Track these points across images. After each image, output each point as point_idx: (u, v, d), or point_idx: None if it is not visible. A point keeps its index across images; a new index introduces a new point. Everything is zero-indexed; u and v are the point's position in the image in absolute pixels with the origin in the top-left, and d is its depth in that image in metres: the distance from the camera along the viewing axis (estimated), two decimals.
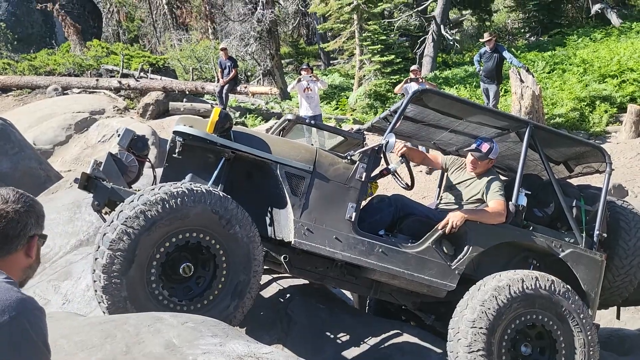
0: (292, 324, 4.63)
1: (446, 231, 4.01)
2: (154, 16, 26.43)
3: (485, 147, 4.37)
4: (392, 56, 15.64)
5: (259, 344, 3.14)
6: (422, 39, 16.70)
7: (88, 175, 3.70)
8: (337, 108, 15.53)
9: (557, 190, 4.32)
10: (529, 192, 4.38)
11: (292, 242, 3.87)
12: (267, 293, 4.99)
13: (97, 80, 15.94)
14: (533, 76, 11.38)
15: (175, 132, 3.90)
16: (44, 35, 22.09)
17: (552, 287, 3.91)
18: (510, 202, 4.15)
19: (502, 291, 3.81)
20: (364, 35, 15.67)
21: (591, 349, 3.91)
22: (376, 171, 4.32)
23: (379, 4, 16.21)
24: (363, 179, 3.98)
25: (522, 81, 10.92)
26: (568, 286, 3.97)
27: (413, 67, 11.83)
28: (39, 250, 1.68)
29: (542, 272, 4.15)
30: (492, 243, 4.09)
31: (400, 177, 4.44)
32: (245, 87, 15.50)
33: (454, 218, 4.01)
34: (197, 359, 2.67)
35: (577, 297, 3.96)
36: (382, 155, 4.11)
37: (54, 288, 4.62)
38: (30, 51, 20.03)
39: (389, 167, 4.30)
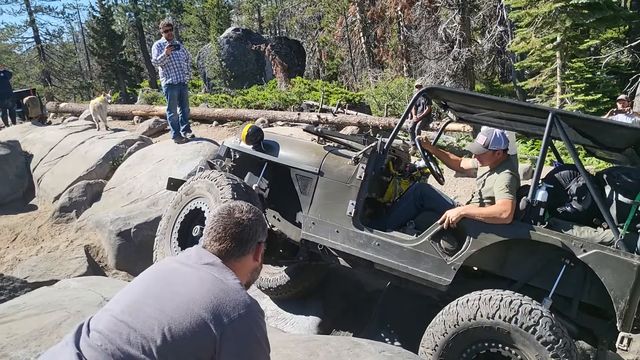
0: None
1: (444, 227, 3.94)
2: (352, 55, 27.92)
3: (481, 138, 4.21)
4: (598, 95, 14.55)
5: None
6: (634, 76, 15.27)
7: (174, 180, 5.10)
8: (532, 148, 14.82)
9: (586, 180, 3.76)
10: (551, 186, 3.97)
11: (301, 234, 4.36)
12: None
13: (298, 114, 17.15)
14: None
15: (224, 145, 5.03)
16: (255, 73, 24.46)
17: (521, 314, 3.35)
18: (523, 198, 3.79)
19: (450, 315, 3.58)
20: (566, 72, 14.83)
21: None
22: (405, 169, 4.81)
23: (585, 41, 15.27)
24: (363, 178, 4.22)
25: None
26: (545, 311, 3.40)
27: (620, 97, 10.83)
28: (262, 255, 1.97)
29: (576, 273, 3.70)
30: (491, 240, 3.81)
31: (430, 171, 4.65)
32: (438, 124, 15.56)
33: (450, 214, 3.94)
34: None
35: (556, 326, 3.35)
36: (381, 154, 4.27)
37: None
38: (243, 87, 22.35)
39: (415, 164, 4.79)
